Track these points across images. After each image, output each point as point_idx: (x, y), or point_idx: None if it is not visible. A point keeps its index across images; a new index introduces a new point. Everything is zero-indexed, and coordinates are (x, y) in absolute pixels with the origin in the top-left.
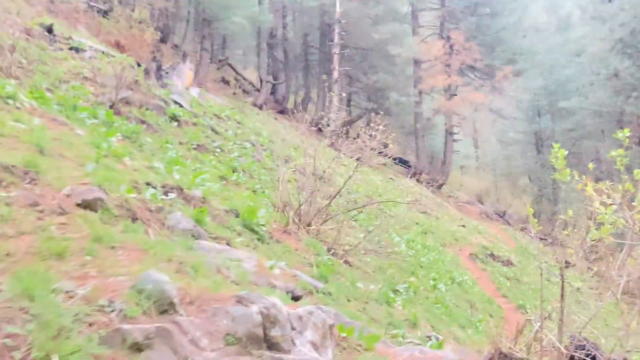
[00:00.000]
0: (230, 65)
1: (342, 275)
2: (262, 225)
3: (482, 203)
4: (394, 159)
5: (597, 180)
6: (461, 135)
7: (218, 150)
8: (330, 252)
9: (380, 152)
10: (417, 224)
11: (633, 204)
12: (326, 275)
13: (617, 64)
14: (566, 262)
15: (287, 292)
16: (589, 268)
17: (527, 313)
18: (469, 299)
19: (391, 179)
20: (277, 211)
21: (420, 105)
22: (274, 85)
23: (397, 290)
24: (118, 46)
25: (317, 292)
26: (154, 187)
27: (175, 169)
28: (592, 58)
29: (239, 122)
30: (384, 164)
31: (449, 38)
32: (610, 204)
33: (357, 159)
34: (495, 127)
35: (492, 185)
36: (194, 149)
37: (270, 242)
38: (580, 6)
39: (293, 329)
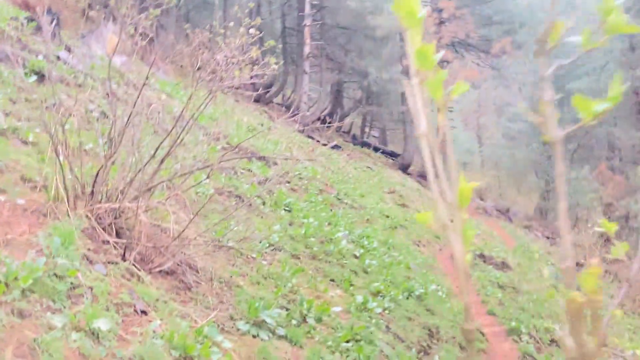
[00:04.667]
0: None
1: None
2: None
3: (482, 199)
4: (375, 148)
5: (612, 169)
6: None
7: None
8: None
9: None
10: (387, 217)
11: None
12: None
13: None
14: (577, 263)
15: None
16: (606, 271)
17: (521, 341)
18: (429, 322)
19: (369, 167)
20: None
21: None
22: None
23: (264, 322)
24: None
25: None
26: None
27: None
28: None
29: (168, 96)
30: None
31: (439, 9)
32: None
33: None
34: (499, 121)
35: (495, 181)
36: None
37: None
38: None
39: None
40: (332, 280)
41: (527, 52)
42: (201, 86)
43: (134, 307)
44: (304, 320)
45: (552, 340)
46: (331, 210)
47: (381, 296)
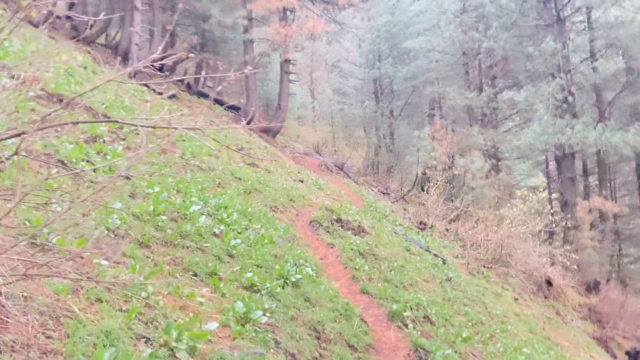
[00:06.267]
0: None
1: None
2: None
3: (320, 154)
4: (216, 100)
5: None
6: (298, 85)
7: None
8: None
9: None
10: (240, 179)
11: None
12: None
13: None
14: (422, 222)
15: None
16: (446, 229)
17: (407, 328)
18: (313, 318)
19: (212, 121)
20: None
21: (250, 31)
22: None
23: None
24: None
25: None
26: None
27: None
28: None
29: None
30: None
31: None
32: None
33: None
34: (331, 77)
35: (329, 136)
36: None
37: None
38: None
39: None
40: (195, 274)
41: (374, 4)
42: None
43: None
44: (173, 356)
45: (426, 317)
46: (178, 174)
47: (257, 291)
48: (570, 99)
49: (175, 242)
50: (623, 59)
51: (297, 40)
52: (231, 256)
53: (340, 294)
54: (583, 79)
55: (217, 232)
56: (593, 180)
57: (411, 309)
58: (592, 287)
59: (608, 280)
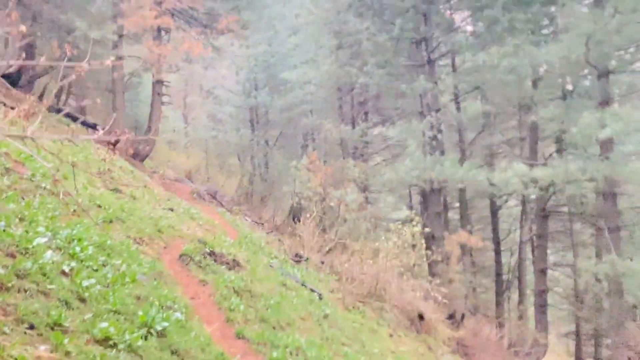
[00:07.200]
0: None
1: None
2: None
3: (192, 181)
4: (74, 118)
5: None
6: (171, 108)
7: None
8: None
9: None
10: (100, 206)
11: None
12: None
13: (352, 26)
14: (297, 255)
15: None
16: (322, 262)
17: None
18: None
19: (70, 141)
20: None
21: (120, 48)
22: None
23: None
24: None
25: None
26: None
27: None
28: (317, 26)
29: None
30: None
31: None
32: None
33: None
34: (208, 102)
35: (203, 163)
36: None
37: None
38: None
39: None
40: (32, 327)
41: (253, 32)
42: None
43: None
44: None
45: None
46: (23, 199)
47: (112, 345)
48: (439, 136)
49: (9, 285)
50: (482, 102)
51: (171, 60)
52: (82, 300)
53: (214, 340)
54: (451, 117)
55: (67, 270)
56: (451, 214)
57: (291, 354)
58: (458, 320)
59: (471, 312)
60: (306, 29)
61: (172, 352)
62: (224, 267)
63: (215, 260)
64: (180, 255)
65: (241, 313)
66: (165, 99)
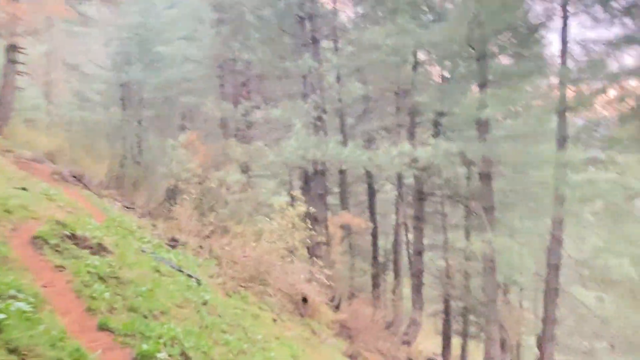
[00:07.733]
0: None
1: None
2: None
3: (54, 163)
4: None
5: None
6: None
7: None
8: None
9: None
10: None
11: None
12: None
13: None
14: (173, 239)
15: None
16: (201, 246)
17: None
18: None
19: None
20: None
21: None
22: None
23: None
24: None
25: None
26: None
27: None
28: None
29: None
30: None
31: None
32: None
33: None
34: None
35: (67, 144)
36: None
37: None
38: None
39: None
40: None
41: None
42: None
43: None
44: None
45: (183, 354)
46: None
47: None
48: (324, 116)
49: None
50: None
51: (28, 23)
52: None
53: (70, 334)
54: (334, 99)
55: None
56: (330, 199)
57: (165, 345)
58: (339, 302)
59: (352, 294)
60: (184, 1)
61: (10, 351)
62: (87, 251)
63: (76, 244)
64: (34, 238)
65: (106, 301)
66: (21, 67)
